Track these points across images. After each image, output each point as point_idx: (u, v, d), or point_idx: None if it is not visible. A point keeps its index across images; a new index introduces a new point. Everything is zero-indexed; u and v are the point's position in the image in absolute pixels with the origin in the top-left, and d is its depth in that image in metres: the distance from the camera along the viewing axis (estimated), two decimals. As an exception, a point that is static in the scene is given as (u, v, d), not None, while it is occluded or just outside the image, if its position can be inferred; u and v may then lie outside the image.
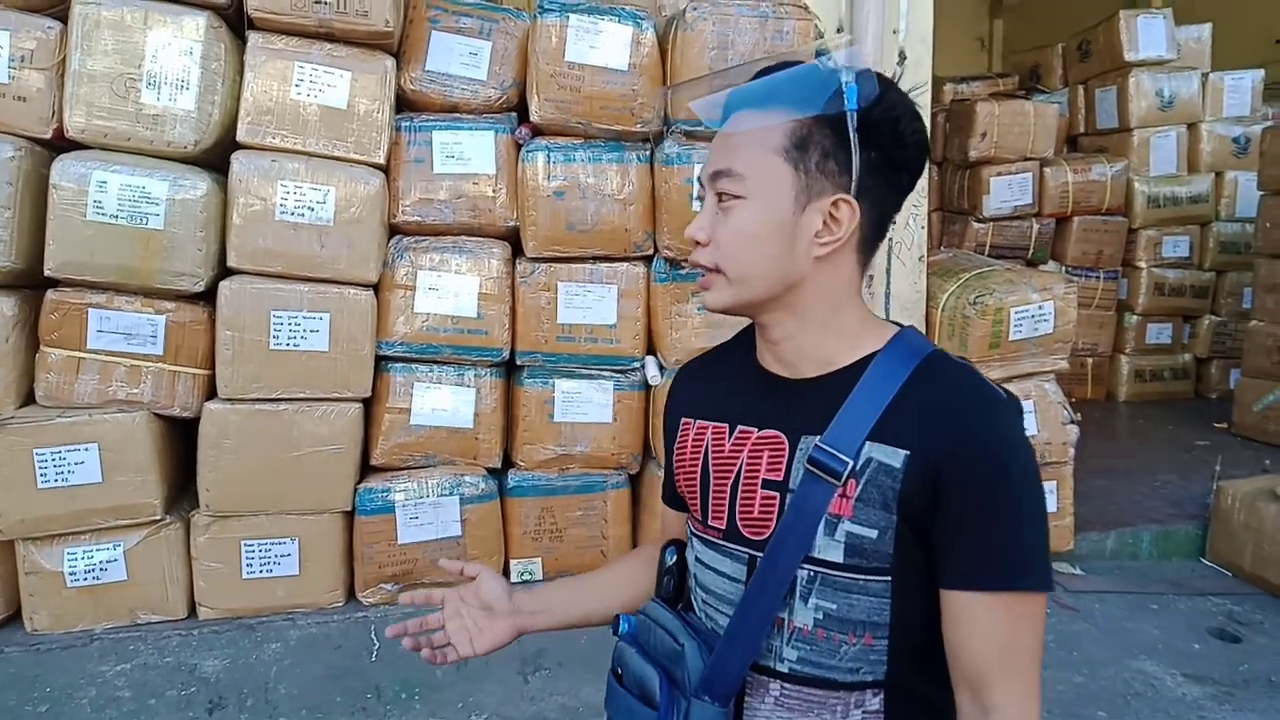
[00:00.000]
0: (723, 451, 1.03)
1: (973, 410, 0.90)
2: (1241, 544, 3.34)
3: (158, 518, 2.87)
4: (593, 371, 3.22)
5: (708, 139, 3.06)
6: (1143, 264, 5.85)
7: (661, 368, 3.28)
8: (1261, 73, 6.07)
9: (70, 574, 2.81)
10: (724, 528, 1.02)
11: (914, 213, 3.51)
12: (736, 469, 1.01)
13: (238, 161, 2.79)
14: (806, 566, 0.92)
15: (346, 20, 2.78)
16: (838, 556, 0.91)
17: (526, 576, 3.26)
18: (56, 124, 2.71)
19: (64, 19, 2.68)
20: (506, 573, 3.24)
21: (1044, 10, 10.69)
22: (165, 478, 2.88)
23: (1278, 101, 6.41)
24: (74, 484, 2.74)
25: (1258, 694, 2.63)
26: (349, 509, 3.01)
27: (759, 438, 1.00)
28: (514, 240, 3.18)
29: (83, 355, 2.76)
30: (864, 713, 0.94)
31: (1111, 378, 6.04)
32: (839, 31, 3.34)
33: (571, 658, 2.80)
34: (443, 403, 3.07)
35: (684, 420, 1.11)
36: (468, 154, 3.05)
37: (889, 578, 0.91)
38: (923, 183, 3.53)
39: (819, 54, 3.01)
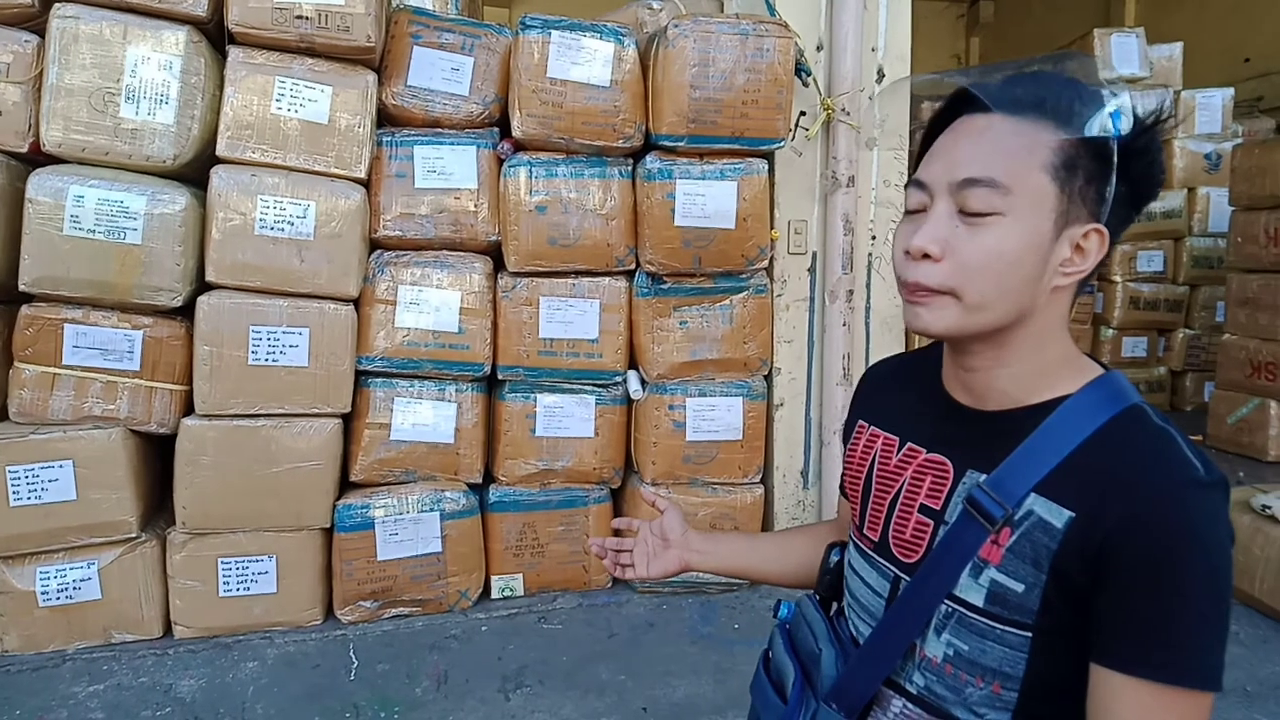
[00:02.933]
0: (889, 465, 1.02)
1: (1158, 484, 0.81)
2: (1217, 555, 3.38)
3: (133, 535, 2.83)
4: (574, 386, 3.22)
5: (688, 155, 3.10)
6: (1118, 278, 5.93)
7: (643, 382, 3.28)
8: (1231, 91, 6.18)
9: (42, 593, 2.77)
10: (877, 540, 1.02)
11: (893, 228, 3.53)
12: (899, 486, 1.00)
13: (217, 176, 2.77)
14: (947, 602, 0.90)
15: (328, 35, 2.78)
16: (979, 600, 0.88)
17: (508, 593, 3.24)
18: (33, 138, 2.69)
19: (41, 33, 2.67)
20: (487, 590, 3.22)
21: (1019, 29, 10.86)
22: (141, 495, 2.85)
23: (1247, 119, 6.53)
24: (48, 501, 2.70)
25: (1233, 704, 2.65)
26: (328, 526, 2.99)
27: (925, 459, 0.97)
28: (496, 255, 3.18)
29: (58, 371, 2.73)
30: None
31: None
32: (819, 49, 3.38)
33: (553, 674, 2.79)
34: (423, 418, 3.06)
35: (860, 422, 1.11)
36: (450, 169, 3.06)
37: (1029, 633, 0.86)
38: (902, 199, 3.56)
39: (799, 70, 3.01)
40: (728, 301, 3.27)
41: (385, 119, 3.11)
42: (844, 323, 3.41)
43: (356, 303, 2.98)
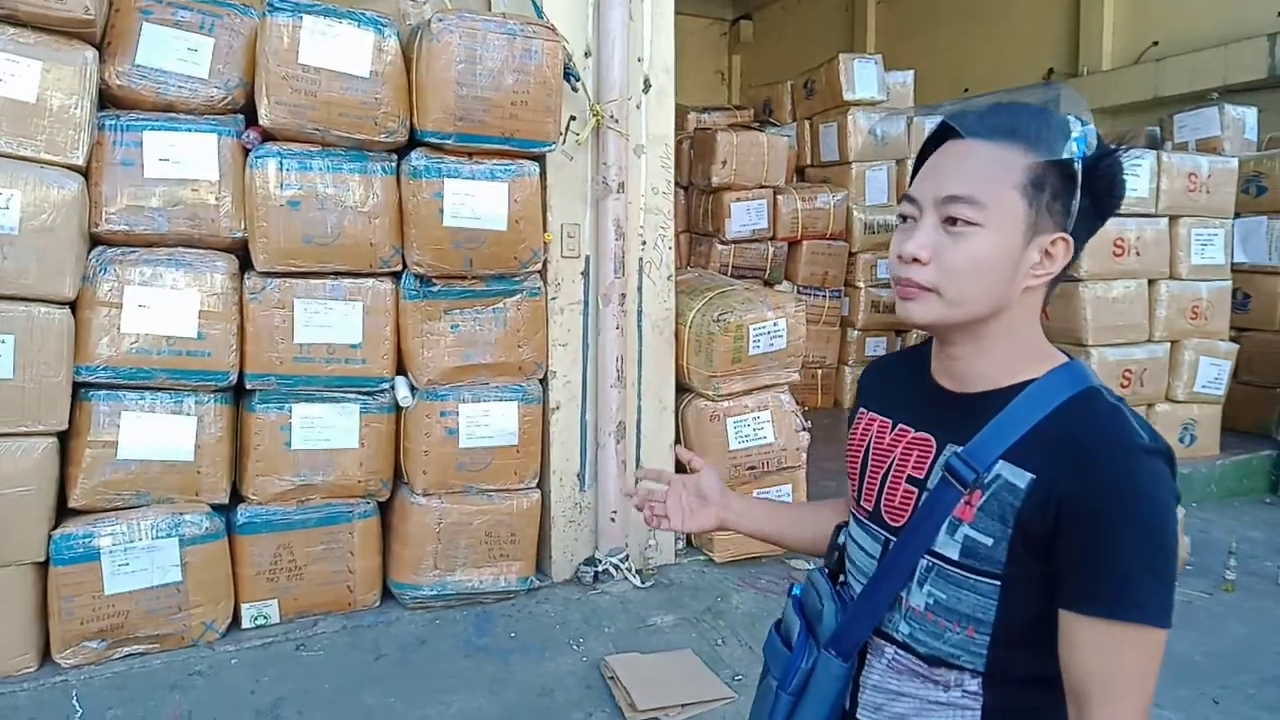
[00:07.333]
0: (883, 443, 1.16)
1: (1105, 450, 0.95)
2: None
3: None
4: (336, 394, 3.03)
5: (457, 153, 3.01)
6: (861, 284, 6.46)
7: (413, 388, 3.15)
8: (955, 117, 6.93)
9: None
10: (871, 509, 1.14)
11: (662, 234, 3.63)
12: (890, 461, 1.13)
13: (-111, 157, 2.36)
14: (927, 557, 1.04)
15: (35, 3, 2.48)
16: (954, 554, 1.01)
17: (261, 621, 2.99)
18: None
19: None
20: (238, 620, 2.96)
21: (775, 49, 11.61)
22: None
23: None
24: None
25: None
26: (42, 559, 2.66)
27: (913, 438, 1.11)
28: (242, 253, 2.93)
29: None
30: (963, 691, 1.05)
31: (838, 387, 6.61)
32: (587, 56, 3.40)
33: (313, 705, 2.61)
34: (157, 433, 2.76)
35: (861, 410, 1.24)
36: (185, 157, 2.77)
37: (998, 582, 0.99)
38: (670, 205, 3.67)
39: (568, 74, 3.00)
40: (501, 304, 3.21)
41: (110, 101, 2.79)
42: (617, 326, 3.46)
43: (74, 306, 2.67)
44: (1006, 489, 0.98)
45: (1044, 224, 1.00)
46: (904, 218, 1.06)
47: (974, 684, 1.04)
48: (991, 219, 0.98)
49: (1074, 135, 0.99)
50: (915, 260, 1.01)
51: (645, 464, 3.65)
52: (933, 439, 1.09)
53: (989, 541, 0.99)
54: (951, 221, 1.00)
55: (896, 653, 1.09)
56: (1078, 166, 0.99)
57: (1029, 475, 0.97)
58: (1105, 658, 0.94)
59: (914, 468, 1.09)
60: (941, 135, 1.06)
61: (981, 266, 0.99)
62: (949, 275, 1.00)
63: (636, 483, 1.43)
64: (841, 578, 1.24)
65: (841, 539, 1.25)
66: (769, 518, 1.43)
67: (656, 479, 1.41)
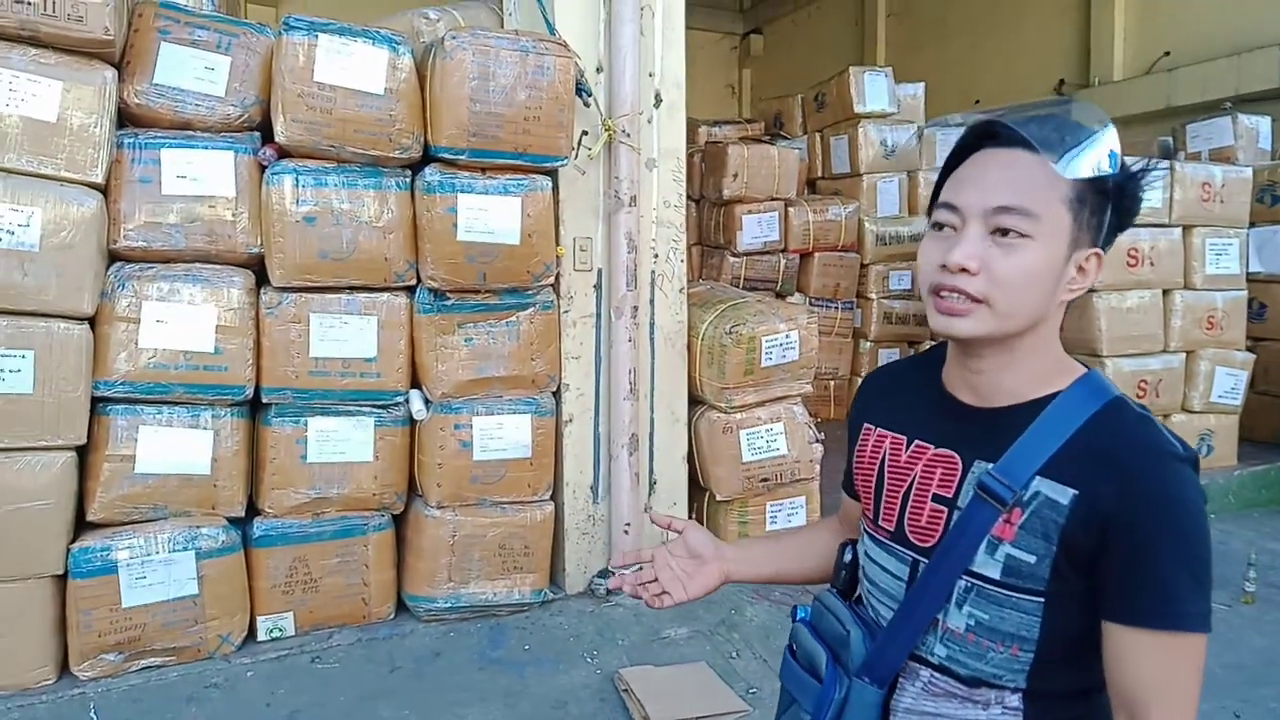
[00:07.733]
0: (899, 461, 1.12)
1: (1142, 461, 0.95)
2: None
3: None
4: (351, 407, 3.05)
5: (470, 169, 3.04)
6: (873, 295, 6.45)
7: (427, 401, 3.17)
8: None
9: None
10: (893, 530, 1.11)
11: (674, 247, 3.65)
12: (910, 479, 1.10)
13: (-86, 177, 2.41)
14: (965, 578, 1.01)
15: (56, 24, 2.51)
16: (995, 574, 1.00)
17: (276, 634, 3.00)
18: None
19: None
20: (253, 633, 2.97)
21: (786, 62, 11.65)
22: None
23: (978, 155, 7.34)
24: None
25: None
26: (61, 572, 2.67)
27: (934, 454, 1.08)
28: (259, 269, 2.96)
29: None
30: (1003, 708, 1.03)
31: (850, 399, 6.58)
32: (599, 71, 3.43)
33: (327, 718, 2.61)
34: (174, 447, 2.79)
35: (866, 425, 1.20)
36: (202, 174, 2.81)
37: (1042, 599, 0.98)
38: (682, 219, 3.69)
39: (580, 90, 3.02)
40: (514, 318, 3.23)
41: (128, 119, 2.83)
42: (629, 338, 3.47)
43: (93, 321, 2.70)
44: (1049, 506, 0.97)
45: (1082, 239, 1.00)
46: (939, 225, 1.03)
47: (1014, 700, 1.02)
48: (1042, 231, 0.97)
49: (1107, 151, 0.99)
50: (963, 270, 0.98)
51: (658, 477, 3.65)
52: (957, 456, 1.06)
53: (1032, 559, 0.98)
54: (1002, 232, 0.97)
55: (933, 675, 1.06)
56: (1111, 182, 1.00)
57: (1071, 491, 0.96)
58: (1156, 668, 0.95)
59: (940, 486, 1.06)
60: (975, 143, 1.04)
61: (1032, 279, 0.98)
62: (1000, 286, 0.97)
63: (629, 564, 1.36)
64: (854, 597, 1.20)
65: (848, 557, 1.23)
66: (769, 557, 1.38)
67: (635, 560, 1.33)
